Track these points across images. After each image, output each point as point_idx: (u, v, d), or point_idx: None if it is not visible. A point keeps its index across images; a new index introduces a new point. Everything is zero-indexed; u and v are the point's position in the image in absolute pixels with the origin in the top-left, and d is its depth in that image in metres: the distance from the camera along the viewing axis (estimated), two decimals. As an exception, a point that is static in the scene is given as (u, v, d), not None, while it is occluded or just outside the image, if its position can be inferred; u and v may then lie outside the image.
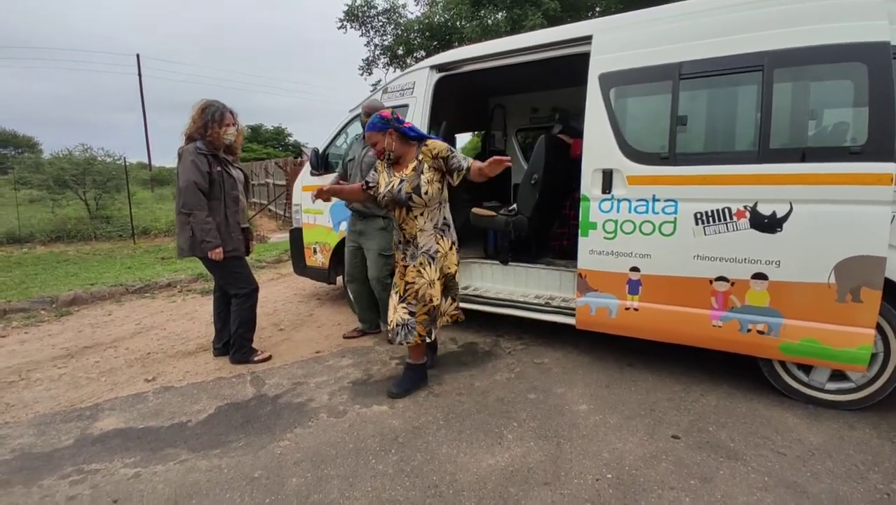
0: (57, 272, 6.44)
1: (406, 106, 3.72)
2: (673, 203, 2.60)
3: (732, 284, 2.49)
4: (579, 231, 2.89)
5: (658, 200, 2.64)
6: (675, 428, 2.30)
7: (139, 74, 23.11)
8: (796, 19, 2.32)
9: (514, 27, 8.87)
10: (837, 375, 2.48)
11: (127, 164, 11.62)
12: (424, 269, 2.53)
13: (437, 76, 3.64)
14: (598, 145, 2.80)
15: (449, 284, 2.68)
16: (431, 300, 2.54)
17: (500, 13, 9.32)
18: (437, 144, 2.52)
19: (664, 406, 2.51)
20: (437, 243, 2.56)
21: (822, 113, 2.53)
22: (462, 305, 3.54)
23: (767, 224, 2.39)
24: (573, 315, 3.03)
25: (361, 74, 10.86)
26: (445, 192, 2.64)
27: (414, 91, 3.70)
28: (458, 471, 2.01)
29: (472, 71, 3.55)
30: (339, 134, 4.17)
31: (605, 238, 2.80)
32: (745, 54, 2.43)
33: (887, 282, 2.21)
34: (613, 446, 2.16)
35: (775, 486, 1.88)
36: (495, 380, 2.85)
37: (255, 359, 3.16)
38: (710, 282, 2.53)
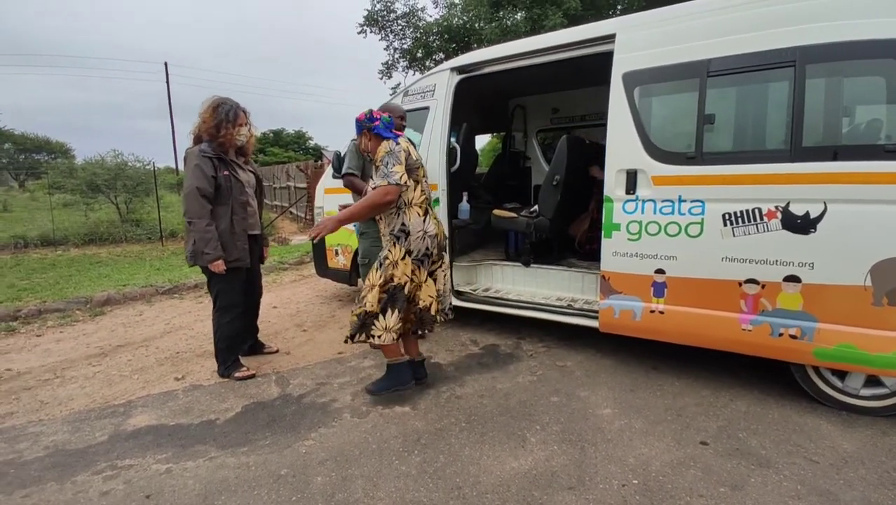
0: (90, 273, 6.67)
1: (427, 108, 3.74)
2: (700, 204, 2.54)
3: (763, 287, 2.42)
4: (602, 233, 2.86)
5: (684, 201, 2.58)
6: (704, 434, 2.25)
7: (167, 81, 23.80)
8: (830, 14, 2.25)
9: (534, 27, 8.82)
10: (872, 381, 2.40)
11: (156, 169, 11.95)
12: (373, 272, 2.50)
13: (457, 78, 3.64)
14: (621, 145, 2.77)
15: (395, 295, 2.44)
16: (365, 304, 2.45)
17: (520, 13, 9.28)
18: (380, 148, 2.42)
19: (692, 411, 2.45)
20: (389, 250, 2.47)
21: (856, 110, 2.45)
22: (484, 306, 3.57)
23: (800, 225, 2.32)
24: (596, 318, 2.99)
25: (381, 78, 10.97)
26: (410, 196, 2.47)
27: (434, 93, 3.72)
28: (482, 473, 2.00)
29: (493, 72, 3.55)
30: (360, 137, 4.21)
31: (629, 240, 2.76)
32: (777, 50, 2.37)
33: (927, 285, 2.13)
34: (639, 452, 2.12)
35: (808, 494, 1.82)
36: (517, 382, 2.84)
37: (237, 375, 2.96)
38: (740, 284, 2.47)
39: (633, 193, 2.73)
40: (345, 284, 4.52)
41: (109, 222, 11.32)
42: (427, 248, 2.52)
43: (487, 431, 2.32)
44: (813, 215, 2.29)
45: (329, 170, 4.44)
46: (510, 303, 3.48)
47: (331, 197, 4.41)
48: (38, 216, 12.35)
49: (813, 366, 2.47)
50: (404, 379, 2.62)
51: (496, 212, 3.83)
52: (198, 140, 2.84)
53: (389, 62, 10.67)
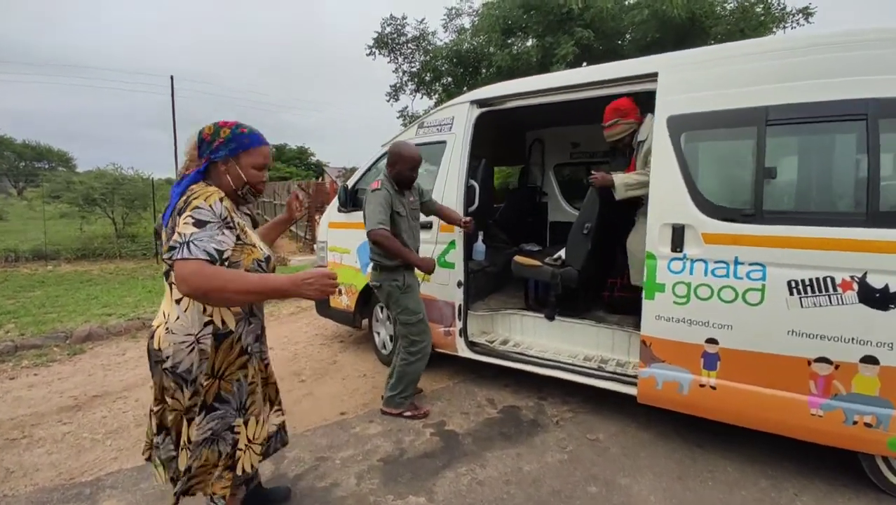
0: (78, 295, 6.33)
1: (444, 142, 3.46)
2: (760, 267, 2.24)
3: (837, 368, 2.10)
4: (644, 293, 2.55)
5: (741, 263, 2.28)
6: (774, 546, 1.91)
7: (172, 95, 23.69)
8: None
9: (545, 55, 8.67)
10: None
11: (154, 182, 11.65)
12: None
13: (478, 111, 3.37)
14: (666, 197, 2.47)
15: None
16: None
17: (531, 40, 9.15)
18: None
19: (753, 511, 2.11)
20: None
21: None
22: (502, 362, 3.23)
23: (879, 299, 2.01)
24: (632, 383, 2.67)
25: (388, 101, 10.80)
26: None
27: (453, 127, 3.44)
28: None
29: (517, 106, 3.28)
30: (369, 170, 3.93)
31: (675, 303, 2.45)
32: (844, 101, 2.10)
33: None
34: (703, 573, 1.77)
35: None
36: (546, 463, 2.48)
37: None
38: (809, 363, 2.15)
39: (681, 251, 2.43)
40: (347, 325, 4.19)
41: (104, 237, 11.01)
42: None
43: (517, 534, 1.97)
44: (893, 289, 1.99)
45: (335, 202, 4.15)
46: (532, 360, 3.14)
47: (335, 232, 4.11)
48: (33, 227, 12.02)
49: (883, 456, 2.16)
50: None
51: (518, 259, 3.51)
52: None
53: (398, 84, 10.53)
